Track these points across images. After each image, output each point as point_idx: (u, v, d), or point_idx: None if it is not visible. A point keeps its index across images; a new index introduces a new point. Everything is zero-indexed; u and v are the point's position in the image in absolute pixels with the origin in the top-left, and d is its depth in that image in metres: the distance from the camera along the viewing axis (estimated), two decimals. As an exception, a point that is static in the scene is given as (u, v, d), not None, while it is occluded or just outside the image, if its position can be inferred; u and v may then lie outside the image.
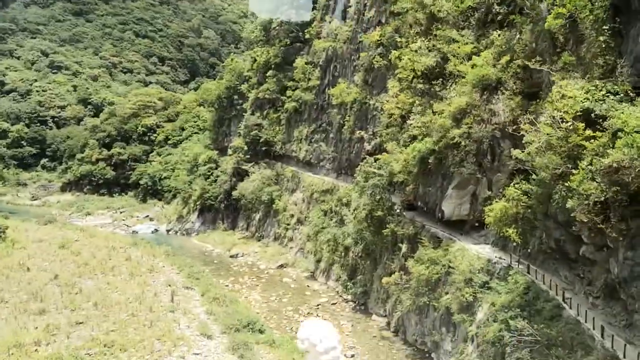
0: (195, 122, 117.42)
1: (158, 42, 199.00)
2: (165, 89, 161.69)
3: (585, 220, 26.50)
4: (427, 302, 45.02)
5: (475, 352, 38.83)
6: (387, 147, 54.98)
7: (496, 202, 39.57)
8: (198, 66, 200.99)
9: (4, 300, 46.67)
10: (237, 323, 48.94)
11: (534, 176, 33.91)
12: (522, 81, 40.51)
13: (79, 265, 61.84)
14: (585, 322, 28.71)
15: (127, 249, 72.47)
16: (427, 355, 47.02)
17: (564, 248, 31.66)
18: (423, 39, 54.27)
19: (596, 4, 28.63)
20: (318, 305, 59.10)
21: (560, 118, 28.18)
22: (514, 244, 39.56)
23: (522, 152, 33.01)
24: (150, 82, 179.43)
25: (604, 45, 28.61)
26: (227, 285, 63.92)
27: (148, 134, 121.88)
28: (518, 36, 41.03)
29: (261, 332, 49.02)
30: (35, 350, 33.70)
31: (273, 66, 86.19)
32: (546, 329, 30.13)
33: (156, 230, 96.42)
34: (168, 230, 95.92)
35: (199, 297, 57.30)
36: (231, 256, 78.83)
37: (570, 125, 27.57)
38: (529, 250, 38.09)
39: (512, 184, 38.32)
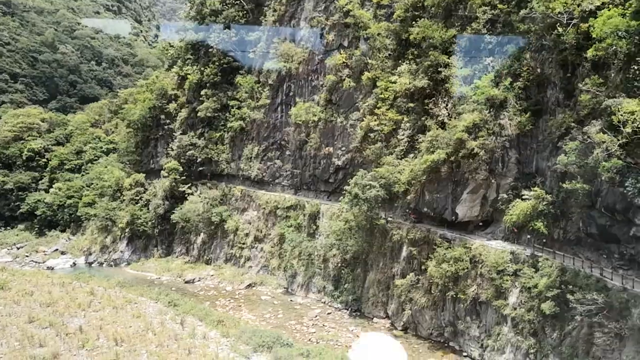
0: (96, 144, 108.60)
1: (6, 57, 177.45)
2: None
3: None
4: (451, 296, 50.33)
5: (512, 331, 45.23)
6: (381, 161, 59.52)
7: (517, 202, 46.85)
8: (57, 84, 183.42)
9: (-8, 351, 41.78)
10: (267, 340, 49.66)
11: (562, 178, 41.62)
12: (524, 100, 48.50)
13: (46, 305, 56.43)
14: (632, 288, 36.49)
15: (79, 284, 66.70)
16: (445, 344, 52.32)
17: (609, 232, 39.18)
18: (407, 62, 60.36)
19: (630, 39, 37.04)
20: (316, 316, 60.88)
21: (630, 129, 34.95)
22: (529, 236, 47.13)
23: (567, 159, 40.03)
24: (4, 102, 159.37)
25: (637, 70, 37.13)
26: (213, 309, 62.22)
27: (36, 159, 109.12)
28: (517, 63, 49.09)
29: (289, 345, 50.15)
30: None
31: (209, 85, 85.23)
32: (604, 297, 37.18)
33: (74, 264, 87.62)
34: (90, 263, 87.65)
35: (200, 322, 56.12)
36: (186, 282, 75.68)
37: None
38: (545, 240, 45.39)
39: (534, 186, 45.98)
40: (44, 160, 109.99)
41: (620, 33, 37.31)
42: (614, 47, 37.67)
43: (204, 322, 55.66)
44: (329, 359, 46.82)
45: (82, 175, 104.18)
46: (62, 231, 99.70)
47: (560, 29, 42.25)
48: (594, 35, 38.85)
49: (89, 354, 43.93)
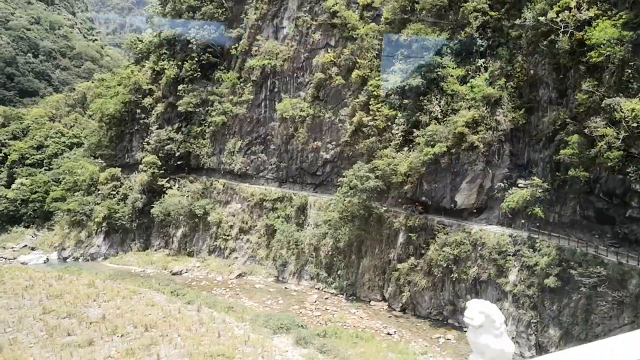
0: (59, 138, 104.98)
1: None
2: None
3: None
4: (453, 277, 54.85)
5: (512, 306, 50.38)
6: (375, 154, 63.18)
7: (514, 190, 52.07)
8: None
9: (18, 342, 42.05)
10: (285, 323, 52.28)
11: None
12: (518, 98, 53.84)
13: (54, 297, 55.98)
14: (627, 262, 42.27)
15: (75, 277, 66.00)
16: (444, 322, 56.88)
17: (606, 214, 44.89)
18: (399, 62, 64.39)
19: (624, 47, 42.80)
20: (315, 301, 63.72)
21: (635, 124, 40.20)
22: (523, 220, 52.53)
23: (569, 151, 45.23)
24: None
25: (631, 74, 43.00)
26: (217, 297, 63.55)
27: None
28: (510, 65, 54.36)
29: (304, 327, 52.99)
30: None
31: (187, 80, 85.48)
32: (604, 270, 42.70)
33: (47, 259, 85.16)
34: (65, 258, 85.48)
35: (210, 309, 57.60)
36: (173, 274, 76.03)
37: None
38: (539, 223, 50.74)
39: (532, 176, 51.31)
40: (1, 155, 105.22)
41: (613, 41, 43.00)
42: (609, 53, 43.32)
43: (214, 309, 57.11)
44: (345, 337, 50.08)
45: (46, 170, 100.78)
46: (27, 227, 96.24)
47: (561, 36, 47.31)
48: (591, 43, 44.35)
49: (123, 339, 44.51)
